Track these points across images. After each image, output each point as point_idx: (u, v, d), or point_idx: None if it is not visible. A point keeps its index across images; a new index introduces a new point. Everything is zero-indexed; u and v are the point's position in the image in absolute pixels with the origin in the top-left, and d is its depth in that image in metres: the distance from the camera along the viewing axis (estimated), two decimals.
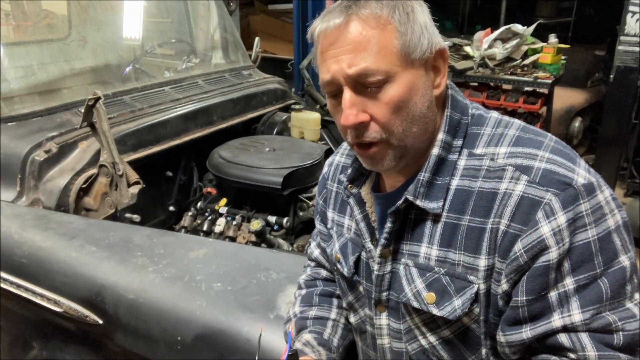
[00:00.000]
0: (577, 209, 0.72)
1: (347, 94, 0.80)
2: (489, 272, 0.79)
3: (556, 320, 0.73)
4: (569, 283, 0.73)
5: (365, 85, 0.79)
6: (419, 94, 0.81)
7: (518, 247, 0.74)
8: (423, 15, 0.81)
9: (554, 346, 0.75)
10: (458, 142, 0.85)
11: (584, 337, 0.72)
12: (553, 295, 0.74)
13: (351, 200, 0.95)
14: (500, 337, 0.79)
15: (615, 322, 0.72)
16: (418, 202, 0.83)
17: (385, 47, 0.78)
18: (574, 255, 0.73)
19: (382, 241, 0.88)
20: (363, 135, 0.81)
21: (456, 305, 0.81)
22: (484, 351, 0.85)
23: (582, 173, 0.75)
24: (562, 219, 0.72)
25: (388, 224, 0.86)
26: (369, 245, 0.92)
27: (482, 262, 0.79)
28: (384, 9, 0.78)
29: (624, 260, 0.74)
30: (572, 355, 0.73)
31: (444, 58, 0.84)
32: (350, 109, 0.79)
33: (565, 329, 0.73)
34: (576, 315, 0.72)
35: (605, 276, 0.73)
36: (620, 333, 0.72)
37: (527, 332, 0.76)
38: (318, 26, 0.82)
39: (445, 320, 0.84)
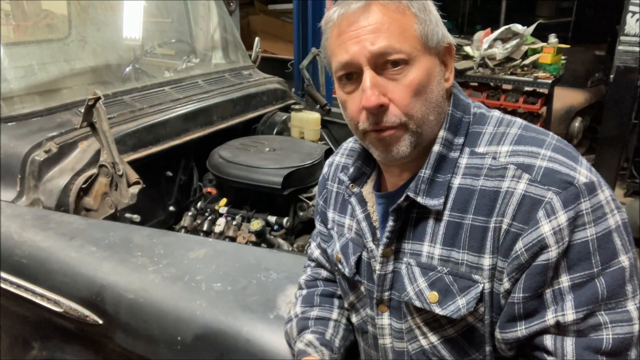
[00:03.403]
0: (577, 207, 0.72)
1: (368, 74, 0.79)
2: (493, 271, 0.79)
3: (550, 319, 0.73)
4: (564, 280, 0.73)
5: (385, 66, 0.79)
6: (435, 81, 0.82)
7: (519, 245, 0.74)
8: (434, 10, 0.84)
9: (538, 346, 0.75)
10: (459, 140, 0.85)
11: (568, 343, 0.72)
12: (548, 292, 0.74)
13: (353, 200, 0.95)
14: (497, 334, 0.80)
15: (606, 323, 0.72)
16: (419, 199, 0.83)
17: (406, 29, 0.79)
18: (570, 253, 0.73)
19: (384, 240, 0.88)
20: (382, 120, 0.80)
21: (460, 304, 0.81)
22: (487, 349, 0.85)
23: (583, 172, 0.75)
24: (562, 218, 0.72)
25: (390, 223, 0.86)
26: (371, 245, 0.92)
27: (487, 261, 0.79)
28: None
29: (624, 260, 0.73)
30: (549, 359, 0.73)
31: (451, 54, 0.86)
32: (372, 90, 0.79)
33: (557, 326, 0.73)
34: (569, 315, 0.72)
35: (602, 276, 0.72)
36: (610, 336, 0.72)
37: (522, 331, 0.76)
38: (336, 11, 0.82)
39: (449, 319, 0.84)
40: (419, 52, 0.80)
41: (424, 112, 0.81)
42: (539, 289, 0.74)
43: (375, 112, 0.80)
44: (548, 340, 0.74)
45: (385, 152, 0.84)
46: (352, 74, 0.82)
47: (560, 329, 0.73)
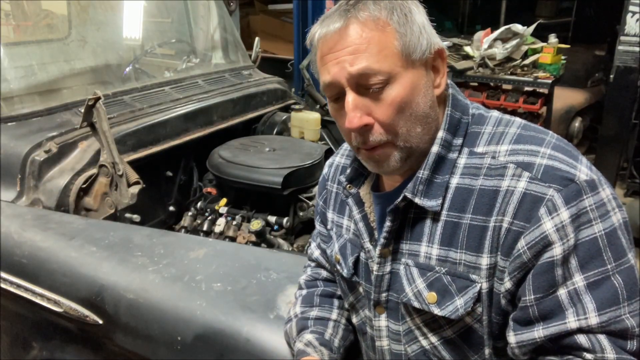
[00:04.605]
0: (580, 204, 0.72)
1: (350, 97, 0.80)
2: (491, 270, 0.79)
3: (571, 322, 0.72)
4: (578, 280, 0.72)
5: (367, 87, 0.79)
6: (421, 93, 0.81)
7: (521, 244, 0.74)
8: (420, 15, 0.82)
9: (570, 346, 0.73)
10: (458, 141, 0.85)
11: (603, 339, 0.71)
12: (563, 293, 0.73)
13: (350, 200, 0.95)
14: (511, 337, 0.78)
15: (633, 327, 0.71)
16: (417, 200, 0.83)
17: (386, 47, 0.78)
18: (580, 251, 0.72)
19: (382, 241, 0.88)
20: (368, 139, 0.81)
21: (458, 304, 0.81)
22: (487, 351, 0.84)
23: (584, 170, 0.75)
24: (565, 214, 0.72)
25: (387, 223, 0.86)
26: (368, 245, 0.92)
27: (485, 260, 0.78)
28: (382, 11, 0.78)
29: (631, 258, 0.73)
30: (588, 356, 0.72)
31: (442, 58, 0.85)
32: (354, 112, 0.79)
33: (581, 330, 0.72)
34: (593, 318, 0.71)
35: (618, 274, 0.72)
36: (636, 339, 0.72)
37: (539, 331, 0.74)
38: (317, 31, 0.82)
39: (447, 320, 0.83)
40: (400, 68, 0.79)
41: (409, 127, 0.81)
42: (550, 288, 0.73)
43: (360, 132, 0.81)
44: (582, 338, 0.72)
45: (375, 168, 0.87)
46: (338, 95, 0.82)
47: (584, 331, 0.72)
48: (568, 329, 0.72)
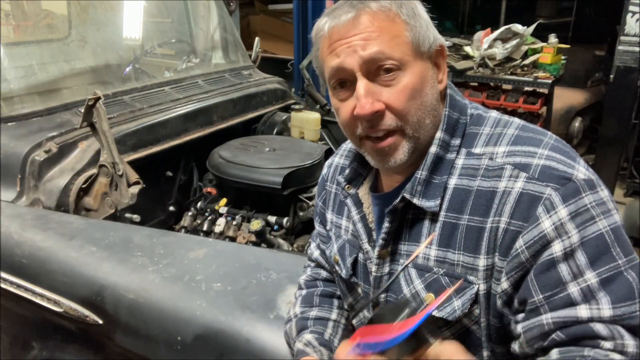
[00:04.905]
0: (580, 202, 0.72)
1: (362, 82, 0.79)
2: (488, 272, 0.78)
3: (582, 310, 0.69)
4: (591, 277, 0.70)
5: (377, 73, 0.79)
6: (429, 84, 0.83)
7: (519, 243, 0.74)
8: (424, 13, 0.85)
9: (584, 335, 0.69)
10: (456, 142, 0.85)
11: (620, 327, 0.69)
12: (575, 290, 0.70)
13: (348, 201, 0.95)
14: (518, 328, 0.75)
15: None
16: (415, 201, 0.83)
17: (397, 36, 0.80)
18: (588, 248, 0.70)
19: (380, 242, 0.88)
20: (378, 124, 0.81)
21: (456, 306, 0.81)
22: (485, 354, 0.84)
23: (581, 170, 0.75)
24: (563, 212, 0.71)
25: (386, 224, 0.86)
26: (366, 246, 0.92)
27: (482, 262, 0.78)
28: (392, 4, 0.80)
29: (637, 257, 0.72)
30: (607, 345, 0.68)
31: (443, 55, 0.87)
32: (366, 98, 0.79)
33: (593, 320, 0.69)
34: (606, 310, 0.69)
35: (631, 269, 0.70)
36: None
37: (547, 315, 0.71)
38: (327, 22, 0.82)
39: (445, 321, 0.83)
40: (411, 57, 0.80)
41: (419, 116, 0.81)
42: (557, 285, 0.71)
43: (370, 119, 0.80)
44: (598, 326, 0.68)
45: (382, 161, 0.85)
46: (345, 82, 0.82)
47: (596, 321, 0.69)
48: (578, 316, 0.69)
